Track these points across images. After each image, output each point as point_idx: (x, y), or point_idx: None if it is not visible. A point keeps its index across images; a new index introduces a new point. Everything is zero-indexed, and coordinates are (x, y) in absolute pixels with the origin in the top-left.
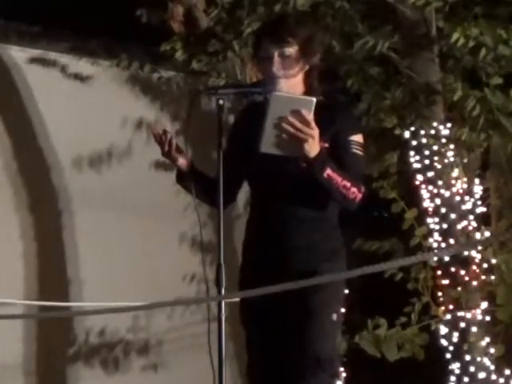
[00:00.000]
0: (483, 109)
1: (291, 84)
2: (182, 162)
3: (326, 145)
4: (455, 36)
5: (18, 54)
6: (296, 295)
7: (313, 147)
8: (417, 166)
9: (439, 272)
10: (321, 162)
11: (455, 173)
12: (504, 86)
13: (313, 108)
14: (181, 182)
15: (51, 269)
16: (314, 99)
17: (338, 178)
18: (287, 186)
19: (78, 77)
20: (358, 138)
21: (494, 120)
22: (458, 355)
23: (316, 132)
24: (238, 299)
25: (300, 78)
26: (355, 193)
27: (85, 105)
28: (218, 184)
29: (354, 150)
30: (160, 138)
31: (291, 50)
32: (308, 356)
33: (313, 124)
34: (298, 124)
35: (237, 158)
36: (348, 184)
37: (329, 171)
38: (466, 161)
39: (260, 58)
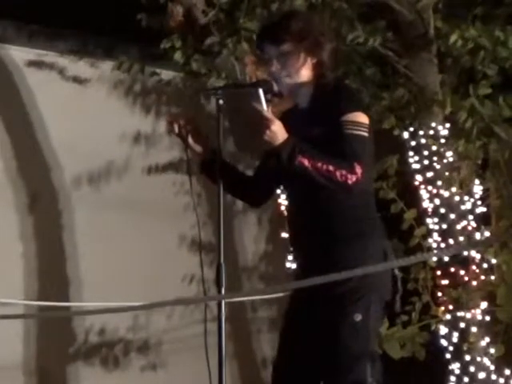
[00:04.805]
0: (476, 119)
1: (295, 80)
2: (206, 150)
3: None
4: (453, 38)
5: (18, 54)
6: (319, 289)
7: (273, 138)
8: (416, 166)
9: (439, 272)
10: (288, 151)
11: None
12: (493, 93)
13: (261, 97)
14: (207, 172)
15: (51, 269)
16: (260, 89)
17: (316, 164)
18: (301, 182)
19: (78, 77)
20: (352, 116)
21: (488, 128)
22: (457, 355)
23: (272, 122)
24: (240, 299)
25: (307, 72)
26: (345, 175)
27: (84, 105)
28: (219, 184)
29: (347, 131)
30: (180, 130)
31: (287, 47)
32: (329, 356)
33: (266, 115)
34: (251, 118)
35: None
36: (331, 167)
37: (300, 158)
38: (464, 169)
39: (261, 60)
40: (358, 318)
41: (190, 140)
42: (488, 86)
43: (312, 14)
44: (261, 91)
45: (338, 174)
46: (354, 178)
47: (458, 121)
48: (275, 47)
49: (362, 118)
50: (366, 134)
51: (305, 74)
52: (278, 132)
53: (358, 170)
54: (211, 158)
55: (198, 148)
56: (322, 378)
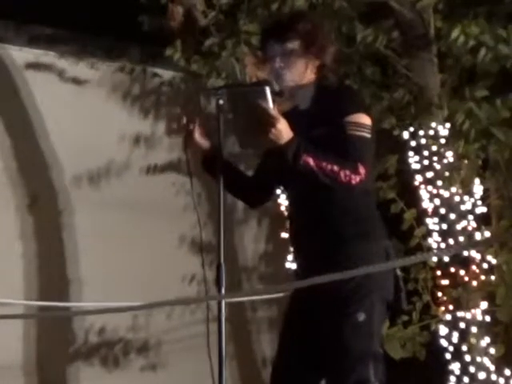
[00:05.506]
0: (474, 122)
1: (297, 82)
2: (208, 148)
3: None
4: (455, 34)
5: (18, 55)
6: (321, 289)
7: (278, 136)
8: (416, 166)
9: (439, 272)
10: (293, 150)
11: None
12: (491, 95)
13: (268, 96)
14: (208, 169)
15: (51, 269)
16: (267, 87)
17: (321, 164)
18: (301, 182)
19: (78, 78)
20: (355, 118)
21: (486, 130)
22: (457, 355)
23: (277, 120)
24: (240, 299)
25: (309, 74)
26: (349, 175)
27: (84, 105)
28: (219, 185)
29: (350, 132)
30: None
31: (292, 45)
32: (332, 356)
33: (272, 113)
34: (256, 117)
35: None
36: (336, 168)
37: (305, 157)
38: (464, 169)
39: (265, 58)
40: (361, 317)
41: (196, 135)
42: (485, 88)
43: (316, 15)
44: (268, 89)
45: (342, 174)
46: (358, 179)
47: (456, 123)
48: (280, 44)
49: (365, 119)
50: (368, 136)
51: (307, 75)
52: (284, 131)
53: (362, 170)
54: (213, 155)
55: (204, 143)
56: (325, 378)
